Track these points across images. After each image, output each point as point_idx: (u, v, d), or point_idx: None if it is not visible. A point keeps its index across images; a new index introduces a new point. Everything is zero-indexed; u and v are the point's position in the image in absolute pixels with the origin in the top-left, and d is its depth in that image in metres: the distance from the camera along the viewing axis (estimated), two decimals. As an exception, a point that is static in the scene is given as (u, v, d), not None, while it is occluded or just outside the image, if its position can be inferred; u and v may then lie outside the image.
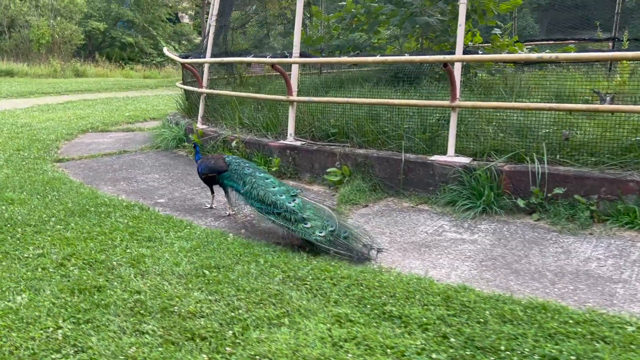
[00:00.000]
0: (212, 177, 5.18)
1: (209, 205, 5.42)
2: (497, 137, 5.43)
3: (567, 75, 6.80)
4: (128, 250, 4.04)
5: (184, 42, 38.88)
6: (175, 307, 3.17)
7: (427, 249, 4.18)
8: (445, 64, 4.99)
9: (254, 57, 7.34)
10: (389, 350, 2.72)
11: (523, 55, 5.79)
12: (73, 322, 3.02)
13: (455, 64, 5.24)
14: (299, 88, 6.63)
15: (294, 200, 4.40)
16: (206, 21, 30.23)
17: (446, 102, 5.32)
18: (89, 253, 3.98)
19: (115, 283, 3.49)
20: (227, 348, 2.77)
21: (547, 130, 5.16)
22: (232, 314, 3.10)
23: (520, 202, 4.76)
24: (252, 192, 4.60)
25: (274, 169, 6.31)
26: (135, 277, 3.57)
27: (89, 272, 3.67)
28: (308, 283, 3.50)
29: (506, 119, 5.65)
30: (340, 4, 10.76)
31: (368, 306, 3.17)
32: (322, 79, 10.08)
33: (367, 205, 5.33)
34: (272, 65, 6.32)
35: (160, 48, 35.84)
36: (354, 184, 5.60)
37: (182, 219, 4.89)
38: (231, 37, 10.11)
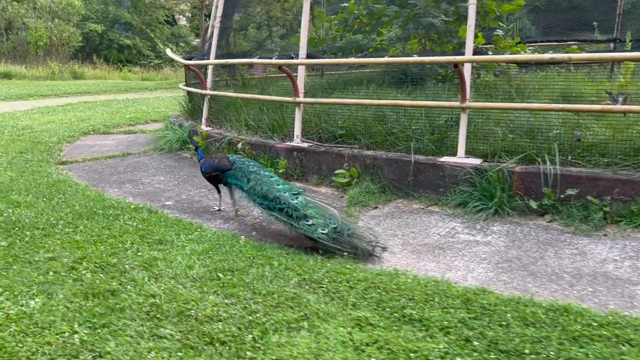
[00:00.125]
0: (216, 176, 5.20)
1: (217, 208, 5.38)
2: (506, 138, 5.40)
3: (568, 76, 6.79)
4: (139, 254, 3.99)
5: (181, 44, 38.81)
6: (192, 311, 3.12)
7: (442, 251, 4.15)
8: (456, 65, 4.97)
9: (259, 58, 7.30)
10: (412, 355, 2.68)
11: (535, 55, 5.76)
12: (89, 326, 2.97)
13: (465, 64, 5.21)
14: (305, 90, 6.59)
15: (297, 198, 4.44)
16: (205, 23, 30.08)
17: (456, 103, 5.30)
18: (100, 256, 3.93)
19: (129, 287, 3.44)
20: (248, 352, 2.72)
21: (557, 131, 5.13)
22: (250, 317, 3.06)
23: (533, 204, 4.73)
24: (255, 189, 4.64)
25: (280, 171, 6.27)
26: (149, 281, 3.53)
27: (101, 275, 3.62)
28: (324, 286, 3.46)
29: (514, 120, 5.63)
30: (342, 5, 10.73)
31: (387, 309, 3.13)
32: (324, 81, 10.06)
33: (376, 207, 5.29)
34: (279, 66, 6.28)
35: (158, 50, 35.81)
36: (362, 186, 5.56)
37: (191, 222, 4.85)
38: (233, 39, 10.08)
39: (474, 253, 4.09)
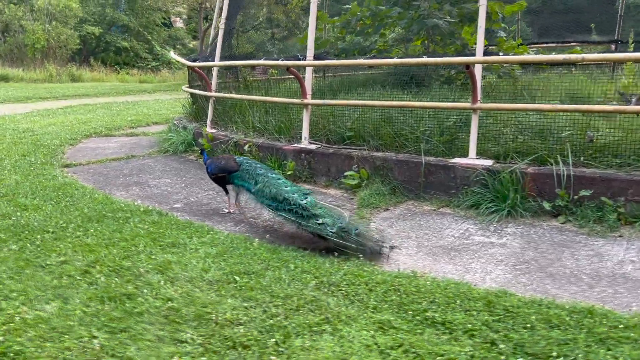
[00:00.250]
0: (223, 177, 5.19)
1: (226, 210, 5.34)
2: (516, 139, 5.38)
3: (571, 77, 6.79)
4: (153, 257, 3.95)
5: (178, 46, 38.77)
6: (211, 315, 3.08)
7: (457, 253, 4.12)
8: (468, 66, 4.94)
9: (265, 59, 7.27)
10: (438, 358, 2.65)
11: (549, 56, 5.74)
12: (107, 331, 2.93)
13: (476, 65, 5.19)
14: (313, 91, 6.57)
15: (306, 198, 4.46)
16: (204, 25, 30.00)
17: (467, 104, 5.28)
18: (113, 260, 3.88)
19: (145, 290, 3.40)
20: (272, 357, 2.69)
21: (569, 132, 5.11)
22: (271, 321, 3.02)
23: (546, 205, 4.71)
24: (263, 190, 4.65)
25: (288, 173, 6.23)
26: (164, 284, 3.49)
27: (116, 279, 3.57)
28: (343, 289, 3.43)
29: (523, 121, 5.61)
30: (344, 7, 10.71)
31: (409, 312, 3.10)
32: (326, 83, 10.03)
33: (387, 209, 5.26)
34: (287, 68, 6.25)
35: (155, 53, 35.77)
36: (372, 188, 5.53)
37: (202, 224, 4.81)
38: (236, 41, 10.04)
39: (490, 255, 4.06)
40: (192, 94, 9.61)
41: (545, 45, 12.47)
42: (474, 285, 3.49)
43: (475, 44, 9.34)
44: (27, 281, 3.53)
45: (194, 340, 2.84)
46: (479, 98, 5.19)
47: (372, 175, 5.68)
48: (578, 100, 5.66)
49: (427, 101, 5.96)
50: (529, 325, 2.92)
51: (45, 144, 9.04)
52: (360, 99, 6.49)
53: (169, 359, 2.68)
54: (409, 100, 6.02)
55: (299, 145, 6.45)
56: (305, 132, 6.45)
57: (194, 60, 8.97)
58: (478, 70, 5.27)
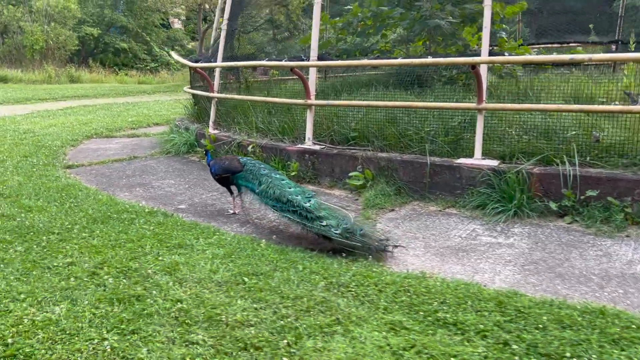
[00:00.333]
0: (226, 178, 5.20)
1: (231, 211, 5.33)
2: (521, 139, 5.38)
3: (571, 77, 6.79)
4: (160, 258, 3.94)
5: (176, 47, 38.72)
6: (222, 316, 3.06)
7: (465, 254, 4.11)
8: (474, 66, 4.94)
9: (268, 60, 7.26)
10: (451, 359, 2.64)
11: (556, 56, 5.75)
12: (118, 333, 2.91)
13: (482, 66, 5.18)
14: (317, 92, 6.55)
15: (310, 200, 4.47)
16: (203, 26, 29.94)
17: (472, 105, 5.27)
18: (120, 261, 3.87)
19: (154, 292, 3.38)
20: (284, 358, 2.68)
21: (574, 132, 5.11)
22: (282, 322, 3.01)
23: (552, 205, 4.71)
24: (267, 191, 4.67)
25: (292, 174, 6.22)
26: (173, 286, 3.47)
27: (124, 280, 3.56)
28: (353, 290, 3.42)
29: (527, 121, 5.61)
30: (346, 8, 10.70)
31: (420, 313, 3.09)
32: (328, 84, 10.02)
33: (393, 210, 5.25)
34: (291, 68, 6.23)
35: (154, 54, 35.72)
36: (377, 188, 5.52)
37: (208, 225, 4.79)
38: (237, 42, 10.02)
39: (498, 255, 4.06)
40: (193, 95, 9.59)
41: (544, 45, 12.47)
42: (484, 286, 3.48)
43: (477, 44, 9.41)
44: (34, 283, 3.52)
45: (205, 341, 2.83)
46: (484, 98, 5.18)
47: (377, 176, 5.67)
48: (582, 101, 5.67)
49: (432, 101, 5.95)
50: (541, 325, 2.91)
51: (46, 145, 9.02)
52: (364, 100, 6.48)
53: (180, 360, 2.67)
54: (413, 101, 6.01)
55: (302, 146, 6.44)
56: (309, 133, 6.44)
57: (196, 61, 8.94)
58: (483, 71, 5.26)
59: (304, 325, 2.97)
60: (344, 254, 4.06)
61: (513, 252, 4.10)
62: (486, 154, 5.34)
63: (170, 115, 13.40)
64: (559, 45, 12.50)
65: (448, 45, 9.41)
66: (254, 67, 9.78)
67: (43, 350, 2.74)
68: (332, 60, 6.74)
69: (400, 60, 5.77)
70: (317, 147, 6.30)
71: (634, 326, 2.85)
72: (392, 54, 10.14)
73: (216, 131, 7.94)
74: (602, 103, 5.72)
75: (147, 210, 5.16)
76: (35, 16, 27.54)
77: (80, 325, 2.98)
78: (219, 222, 5.02)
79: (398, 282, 3.49)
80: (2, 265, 3.79)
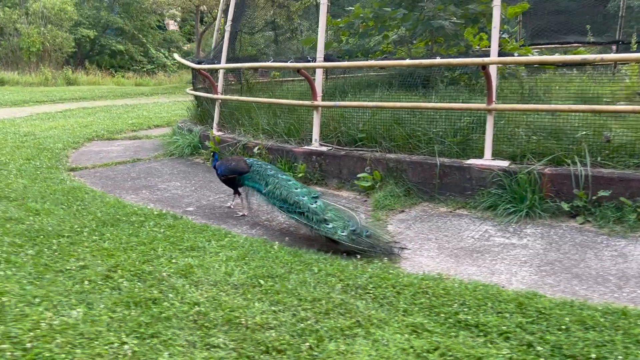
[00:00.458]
0: (233, 179, 5.21)
1: (240, 213, 5.30)
2: (530, 140, 5.37)
3: (573, 78, 6.79)
4: (174, 261, 3.90)
5: (172, 49, 38.64)
6: (241, 319, 3.04)
7: (480, 255, 4.10)
8: (484, 67, 4.92)
9: (273, 61, 7.23)
10: (477, 361, 2.62)
11: (567, 57, 5.74)
12: (137, 336, 2.88)
13: (491, 66, 5.17)
14: (323, 92, 6.53)
15: (316, 202, 4.48)
16: (201, 27, 29.84)
17: (482, 105, 5.26)
18: (133, 264, 3.83)
19: (171, 295, 3.35)
20: (308, 361, 2.65)
21: (584, 132, 5.10)
22: (302, 325, 2.99)
23: (564, 206, 4.70)
24: (274, 192, 4.69)
25: (300, 175, 6.20)
26: (189, 288, 3.44)
27: (139, 284, 3.52)
28: (370, 292, 3.39)
29: (534, 122, 5.61)
30: (347, 9, 10.69)
31: (441, 315, 3.07)
32: (330, 85, 10.00)
33: (403, 211, 5.24)
34: (298, 70, 6.21)
35: (150, 55, 35.65)
36: (386, 189, 5.51)
37: (219, 228, 4.76)
38: (239, 44, 9.99)
39: (513, 256, 4.04)
40: (196, 97, 9.55)
41: (542, 46, 12.49)
42: (502, 287, 3.46)
43: (478, 44, 9.41)
44: (48, 286, 3.48)
45: (227, 345, 2.80)
46: (494, 99, 5.17)
47: (386, 177, 5.66)
48: (588, 101, 5.66)
49: (440, 102, 5.94)
50: (563, 326, 2.89)
51: (48, 147, 8.95)
52: (372, 101, 6.46)
53: (203, 364, 2.64)
54: (421, 102, 5.99)
55: (309, 148, 6.41)
56: (315, 134, 6.42)
57: (199, 63, 8.91)
58: (493, 71, 5.25)
59: (325, 328, 2.95)
60: (358, 256, 4.04)
61: (528, 253, 4.09)
62: (495, 154, 5.33)
63: (171, 117, 13.36)
64: (559, 45, 12.53)
65: (450, 46, 9.41)
66: (256, 69, 9.75)
67: (63, 355, 2.70)
68: (337, 61, 6.71)
69: (409, 61, 5.75)
70: (324, 149, 6.28)
71: (657, 327, 2.84)
72: (394, 54, 10.13)
73: (220, 133, 7.90)
74: (608, 103, 5.72)
75: (155, 212, 5.12)
76: (32, 18, 27.44)
77: (98, 329, 2.94)
78: (229, 224, 4.99)
79: (416, 283, 3.47)
80: (14, 269, 3.74)
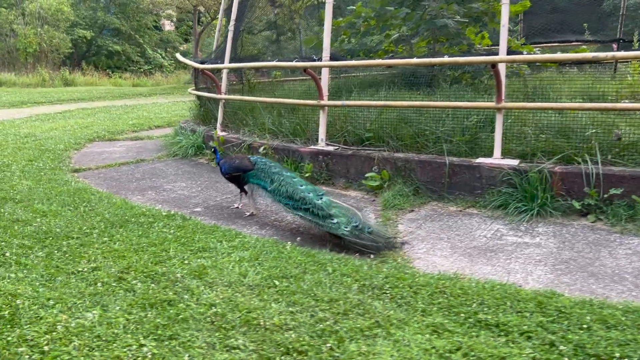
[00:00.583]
0: (237, 177, 5.21)
1: (248, 213, 5.28)
2: (539, 138, 5.36)
3: (574, 76, 6.79)
4: (186, 262, 3.87)
5: (169, 49, 38.55)
6: (259, 320, 3.01)
7: (493, 254, 4.08)
8: (494, 65, 4.91)
9: (278, 61, 7.20)
10: (501, 361, 2.60)
11: (578, 55, 5.73)
12: (155, 339, 2.85)
13: (500, 65, 5.15)
14: (331, 92, 6.51)
15: (321, 198, 4.52)
16: (199, 28, 29.79)
17: (492, 104, 5.24)
18: (145, 265, 3.80)
19: (186, 296, 3.32)
20: (330, 363, 2.62)
21: (594, 130, 5.09)
22: (321, 325, 2.96)
23: (576, 204, 4.68)
24: (280, 189, 4.71)
25: (306, 175, 6.17)
26: (204, 290, 3.41)
27: (153, 285, 3.49)
28: (387, 292, 3.37)
29: (542, 120, 5.60)
30: (349, 8, 10.66)
31: (461, 315, 3.04)
32: (332, 84, 9.96)
33: (412, 210, 5.21)
34: (304, 69, 6.18)
35: (147, 56, 35.55)
36: (395, 189, 5.48)
37: (229, 228, 4.73)
38: (241, 43, 9.95)
39: (527, 255, 4.02)
40: (198, 97, 9.51)
41: (541, 45, 12.49)
42: (519, 286, 3.44)
43: (479, 43, 9.40)
44: (61, 289, 3.44)
45: (246, 346, 2.77)
46: (503, 97, 5.15)
47: (394, 177, 5.63)
48: (593, 99, 5.65)
49: (447, 101, 5.92)
50: (585, 326, 2.87)
51: (49, 149, 8.91)
52: (379, 100, 6.43)
53: (224, 366, 2.61)
54: (429, 100, 5.97)
55: (315, 147, 6.39)
56: (322, 134, 6.39)
57: (202, 63, 8.86)
58: (502, 70, 5.24)
59: (344, 329, 2.92)
60: (372, 256, 4.03)
61: (541, 252, 4.07)
62: (504, 153, 5.31)
63: (171, 117, 13.32)
64: (557, 44, 12.54)
65: (452, 45, 9.40)
66: (257, 69, 9.72)
67: (81, 358, 2.68)
68: (344, 60, 6.68)
69: (416, 60, 5.72)
70: (330, 148, 6.25)
71: (680, 325, 2.82)
72: (396, 53, 10.10)
73: (224, 133, 7.87)
74: (612, 101, 5.71)
75: (164, 213, 5.09)
76: (28, 19, 27.33)
77: (115, 331, 2.91)
78: (238, 225, 4.96)
79: (432, 283, 3.45)
80: (25, 271, 3.71)
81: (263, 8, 11.02)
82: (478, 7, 9.07)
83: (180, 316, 3.07)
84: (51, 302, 3.24)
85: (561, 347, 2.69)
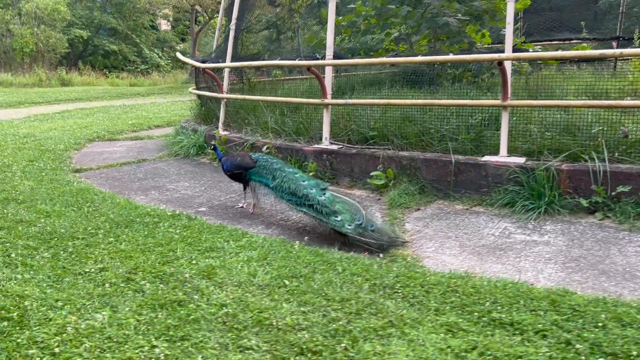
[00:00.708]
0: (239, 174, 5.21)
1: (251, 211, 5.28)
2: (544, 136, 5.34)
3: (574, 74, 6.78)
4: (194, 262, 3.84)
5: (166, 49, 38.45)
6: (271, 320, 2.98)
7: (502, 252, 4.06)
8: (500, 63, 4.89)
9: (281, 59, 7.17)
10: (517, 360, 2.58)
11: (584, 52, 5.71)
12: (166, 340, 2.82)
13: (506, 62, 5.13)
14: (333, 91, 6.48)
15: (324, 194, 4.50)
16: (196, 27, 29.72)
17: (497, 101, 5.22)
18: (153, 266, 3.77)
19: (196, 296, 3.29)
20: (345, 363, 2.60)
21: (600, 128, 5.08)
22: (334, 325, 2.93)
23: (583, 202, 4.67)
24: (282, 186, 4.70)
25: (310, 174, 6.12)
26: (214, 290, 3.38)
27: (161, 286, 3.46)
28: (399, 291, 3.34)
29: (547, 118, 5.59)
30: (349, 6, 10.64)
31: (474, 314, 3.02)
32: (333, 83, 9.93)
33: (419, 209, 5.19)
34: (308, 67, 6.15)
35: (144, 56, 35.44)
36: (400, 188, 5.46)
37: (235, 228, 4.70)
38: (241, 42, 9.91)
39: (537, 253, 4.01)
40: (199, 96, 9.47)
41: (540, 43, 12.49)
42: (531, 285, 3.42)
43: (480, 41, 9.39)
44: (69, 290, 3.41)
45: (260, 347, 2.74)
46: (509, 95, 5.13)
47: (399, 175, 5.61)
48: (596, 96, 5.65)
49: (450, 99, 5.90)
50: (600, 324, 2.85)
51: (50, 149, 8.85)
52: (379, 99, 6.41)
53: (239, 367, 2.58)
54: (434, 99, 5.95)
55: (319, 146, 6.36)
56: (325, 133, 6.36)
57: (203, 62, 8.82)
58: (508, 67, 5.21)
59: (358, 328, 2.90)
60: (381, 255, 4.00)
61: (551, 250, 4.05)
62: (510, 151, 5.29)
63: (171, 117, 13.28)
64: (556, 42, 12.54)
65: (453, 43, 9.39)
66: (258, 67, 9.69)
67: (93, 359, 2.64)
68: (347, 58, 6.65)
69: (421, 58, 5.69)
70: (334, 147, 6.22)
71: (696, 323, 2.81)
72: (398, 52, 10.08)
73: (226, 132, 7.83)
74: (615, 99, 5.70)
75: (169, 213, 5.05)
76: (25, 19, 27.18)
77: (126, 332, 2.88)
78: (244, 224, 4.93)
79: (444, 282, 3.43)
80: (32, 272, 3.67)
81: (263, 7, 10.98)
82: (479, 5, 9.06)
83: (191, 317, 3.04)
84: (60, 304, 3.21)
85: (577, 346, 2.67)
